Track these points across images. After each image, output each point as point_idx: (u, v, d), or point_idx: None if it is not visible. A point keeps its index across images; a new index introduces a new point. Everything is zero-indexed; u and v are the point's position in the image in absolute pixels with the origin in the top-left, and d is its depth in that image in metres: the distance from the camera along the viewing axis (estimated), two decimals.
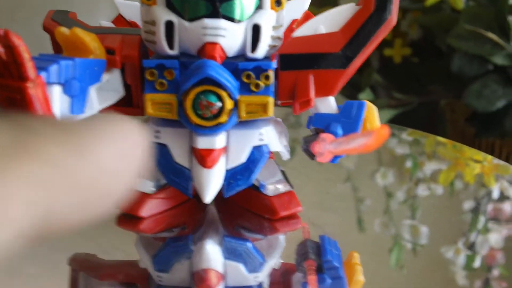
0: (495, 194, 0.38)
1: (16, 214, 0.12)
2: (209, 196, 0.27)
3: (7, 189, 0.11)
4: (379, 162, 0.44)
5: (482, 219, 0.34)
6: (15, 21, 0.65)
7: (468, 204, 0.36)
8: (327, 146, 0.25)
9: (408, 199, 0.37)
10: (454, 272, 0.28)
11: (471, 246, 0.31)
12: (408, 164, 0.45)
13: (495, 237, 0.32)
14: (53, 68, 0.23)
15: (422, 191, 0.38)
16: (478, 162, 0.45)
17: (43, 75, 0.22)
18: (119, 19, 0.32)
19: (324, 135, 0.26)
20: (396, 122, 0.86)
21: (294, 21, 0.32)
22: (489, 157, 0.45)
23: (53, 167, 0.12)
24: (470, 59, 0.87)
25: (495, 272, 0.29)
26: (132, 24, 0.32)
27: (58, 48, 0.27)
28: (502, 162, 0.44)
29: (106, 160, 0.14)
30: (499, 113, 0.86)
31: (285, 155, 0.29)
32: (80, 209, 0.13)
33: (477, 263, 0.30)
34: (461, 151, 0.48)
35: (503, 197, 0.37)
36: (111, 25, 0.32)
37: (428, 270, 0.29)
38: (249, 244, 0.28)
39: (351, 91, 0.91)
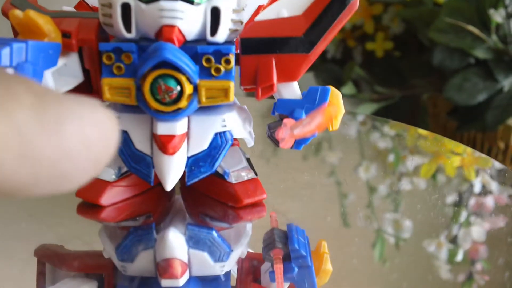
0: (477, 188, 0.38)
1: None
2: (170, 183, 0.27)
3: None
4: (362, 155, 0.43)
5: (464, 213, 0.34)
6: None
7: (450, 198, 0.36)
8: (289, 131, 0.25)
9: (391, 193, 0.37)
10: (437, 266, 0.28)
11: (453, 240, 0.31)
12: (391, 158, 0.45)
13: (478, 231, 0.32)
14: (5, 50, 0.22)
15: (405, 185, 0.38)
16: (458, 155, 0.44)
17: None
18: (81, 4, 0.31)
19: (286, 120, 0.26)
20: (379, 116, 0.86)
21: (260, 7, 0.31)
22: (469, 149, 0.45)
23: (16, 131, 0.12)
24: (451, 53, 0.87)
25: (478, 266, 0.29)
26: (95, 10, 0.31)
27: (17, 33, 0.26)
28: (482, 155, 0.44)
29: (71, 142, 0.13)
30: (480, 106, 0.87)
31: (250, 142, 0.29)
32: (32, 180, 0.13)
33: (459, 256, 0.30)
34: (442, 144, 0.48)
35: (485, 191, 0.37)
36: (74, 10, 0.31)
37: (411, 264, 0.29)
38: (214, 233, 0.28)
39: (333, 85, 0.91)
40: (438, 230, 0.31)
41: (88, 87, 0.27)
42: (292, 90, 0.27)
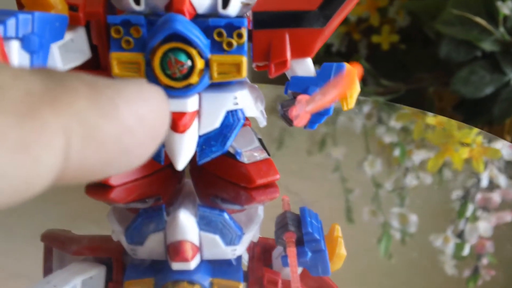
0: (484, 182, 0.37)
1: (53, 157, 0.13)
2: (181, 162, 0.26)
3: (45, 133, 0.13)
4: (367, 150, 0.43)
5: (470, 207, 0.34)
6: None
7: (456, 193, 0.36)
8: (303, 107, 0.24)
9: (396, 188, 0.36)
10: (443, 261, 0.28)
11: (460, 234, 0.30)
12: (396, 152, 0.44)
13: (484, 226, 0.32)
14: (11, 21, 0.21)
15: (410, 180, 0.38)
16: (467, 146, 0.44)
17: None
18: None
19: (301, 96, 0.25)
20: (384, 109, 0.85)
21: None
22: (479, 139, 0.44)
23: (80, 121, 0.13)
24: (458, 45, 0.87)
25: (484, 261, 0.28)
26: None
27: (22, 8, 0.25)
28: (492, 145, 0.43)
29: (128, 120, 0.15)
30: (487, 99, 0.86)
31: (262, 122, 0.28)
32: (100, 161, 0.14)
33: (466, 251, 0.29)
34: (451, 135, 0.47)
35: (492, 186, 0.37)
36: None
37: (417, 259, 0.28)
38: (226, 215, 0.27)
39: None
40: (445, 225, 0.31)
41: (95, 64, 0.27)
42: (306, 67, 0.27)
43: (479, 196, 0.35)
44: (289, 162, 0.29)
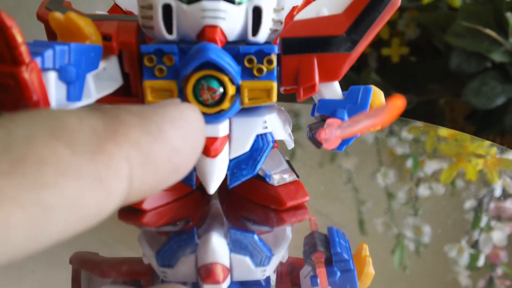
0: (498, 191, 0.37)
1: (121, 183, 0.14)
2: (213, 186, 0.26)
3: (113, 164, 0.14)
4: (380, 162, 0.43)
5: (484, 218, 0.34)
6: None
7: (470, 203, 0.36)
8: (333, 131, 0.24)
9: (409, 200, 0.36)
10: (457, 271, 0.28)
11: (474, 245, 0.30)
12: (409, 164, 0.44)
13: (498, 236, 0.31)
14: (48, 53, 0.22)
15: (423, 190, 0.38)
16: (481, 157, 0.44)
17: (37, 60, 0.21)
18: (115, 9, 0.31)
19: (331, 120, 0.25)
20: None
21: (294, 8, 0.31)
22: (493, 150, 0.44)
23: (137, 148, 0.15)
24: (468, 57, 0.87)
25: (499, 271, 0.28)
26: (128, 14, 0.31)
27: (53, 39, 0.26)
28: (505, 156, 0.43)
29: (174, 140, 0.16)
30: (499, 110, 0.86)
31: (290, 144, 0.28)
32: (156, 182, 0.16)
33: (481, 262, 0.29)
34: (464, 146, 0.47)
35: (505, 195, 0.37)
36: (107, 14, 0.31)
37: (431, 270, 0.28)
38: (255, 236, 0.27)
39: None
40: (459, 235, 0.31)
41: (127, 91, 0.27)
42: (333, 90, 0.27)
43: (492, 205, 0.35)
44: (301, 174, 0.30)
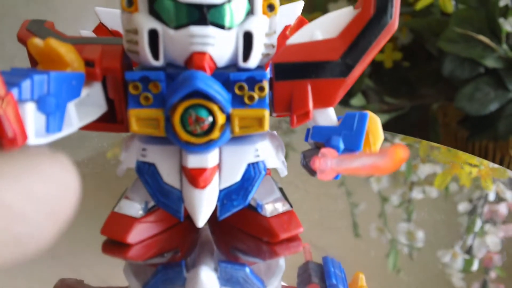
0: (491, 196, 0.37)
1: None
2: (202, 219, 0.25)
3: None
4: None
5: (478, 222, 0.34)
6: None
7: (463, 206, 0.35)
8: (329, 162, 0.23)
9: (403, 203, 0.36)
10: (451, 274, 0.27)
11: (468, 250, 0.30)
12: (402, 167, 0.43)
13: (492, 239, 0.31)
14: (26, 83, 0.21)
15: (416, 194, 0.37)
16: (475, 166, 0.43)
17: (14, 91, 0.20)
18: (100, 28, 0.30)
19: (325, 150, 0.24)
20: (389, 126, 0.85)
21: (287, 27, 0.30)
22: (485, 161, 0.44)
23: None
24: (461, 63, 0.86)
25: (493, 274, 0.28)
26: (115, 34, 0.30)
27: (35, 61, 0.25)
28: (497, 166, 0.43)
29: (17, 203, 0.12)
30: (492, 115, 0.85)
31: (283, 172, 0.27)
32: None
33: (475, 267, 0.29)
34: (456, 156, 0.46)
35: (498, 199, 0.36)
36: (92, 34, 0.30)
37: (425, 272, 0.28)
38: (247, 269, 0.26)
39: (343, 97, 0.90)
40: (452, 238, 0.30)
41: (111, 117, 0.26)
42: (328, 116, 0.26)
43: (486, 208, 0.35)
44: (293, 177, 0.28)
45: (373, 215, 0.34)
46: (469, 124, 0.93)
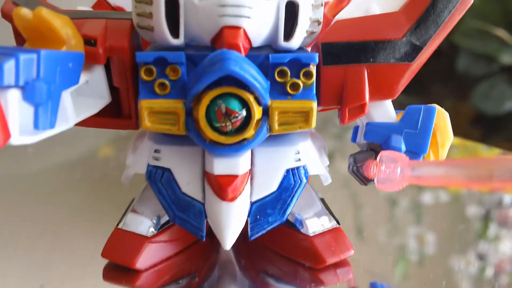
0: (506, 199, 0.34)
1: None
2: (230, 239, 0.20)
3: None
4: None
5: (492, 228, 0.32)
6: None
7: (472, 210, 0.33)
8: (399, 170, 0.18)
9: (412, 206, 0.33)
10: (461, 279, 0.25)
11: (482, 257, 0.28)
12: None
13: (506, 246, 0.29)
14: (8, 64, 0.16)
15: (426, 197, 0.34)
16: None
17: None
18: (101, 3, 0.25)
19: (392, 154, 0.19)
20: None
21: (325, 4, 0.25)
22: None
23: None
24: (476, 59, 0.84)
25: (504, 280, 0.26)
26: (118, 10, 0.25)
27: (22, 38, 0.19)
28: None
29: None
30: (507, 115, 0.83)
31: (327, 179, 0.22)
32: None
33: (488, 273, 0.26)
34: (474, 154, 0.44)
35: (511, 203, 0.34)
36: (92, 10, 0.24)
37: (434, 277, 0.25)
38: None
39: None
40: (464, 243, 0.28)
41: (116, 111, 0.21)
42: (386, 111, 0.21)
43: (499, 213, 0.33)
44: None
45: (381, 218, 0.31)
46: (482, 124, 0.90)
